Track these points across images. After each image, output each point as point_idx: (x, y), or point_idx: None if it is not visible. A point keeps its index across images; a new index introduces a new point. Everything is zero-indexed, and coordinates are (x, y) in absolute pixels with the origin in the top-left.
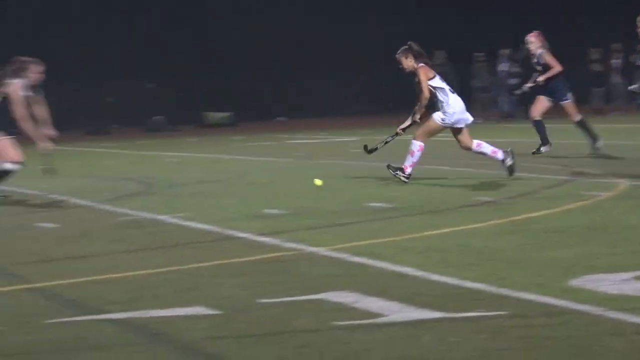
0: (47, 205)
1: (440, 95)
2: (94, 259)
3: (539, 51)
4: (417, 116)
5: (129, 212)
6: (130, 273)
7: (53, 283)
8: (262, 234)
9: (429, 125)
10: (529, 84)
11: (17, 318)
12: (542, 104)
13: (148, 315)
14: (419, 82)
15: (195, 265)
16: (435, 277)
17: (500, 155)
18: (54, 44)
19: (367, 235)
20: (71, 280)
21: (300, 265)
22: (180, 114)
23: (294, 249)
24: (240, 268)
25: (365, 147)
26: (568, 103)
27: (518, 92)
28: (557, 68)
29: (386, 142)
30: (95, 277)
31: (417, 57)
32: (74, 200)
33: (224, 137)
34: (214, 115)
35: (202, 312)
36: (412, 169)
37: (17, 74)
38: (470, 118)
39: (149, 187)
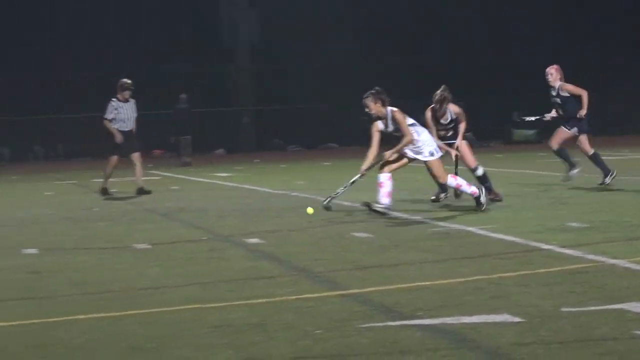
0: (362, 216)
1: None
2: (405, 267)
3: (558, 83)
4: (394, 155)
5: (440, 223)
6: (439, 281)
7: (367, 290)
8: (565, 247)
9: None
10: (552, 114)
11: (334, 322)
12: (561, 134)
13: (456, 322)
14: (400, 126)
15: (501, 275)
16: None
17: (474, 189)
18: None
19: None
20: (383, 287)
21: (601, 276)
22: (489, 130)
23: (596, 261)
24: (544, 278)
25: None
26: (583, 135)
27: (526, 118)
28: (585, 93)
29: (353, 182)
30: (405, 285)
31: (385, 102)
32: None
33: (529, 153)
34: (521, 132)
35: (507, 320)
36: (390, 199)
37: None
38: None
39: (457, 200)
